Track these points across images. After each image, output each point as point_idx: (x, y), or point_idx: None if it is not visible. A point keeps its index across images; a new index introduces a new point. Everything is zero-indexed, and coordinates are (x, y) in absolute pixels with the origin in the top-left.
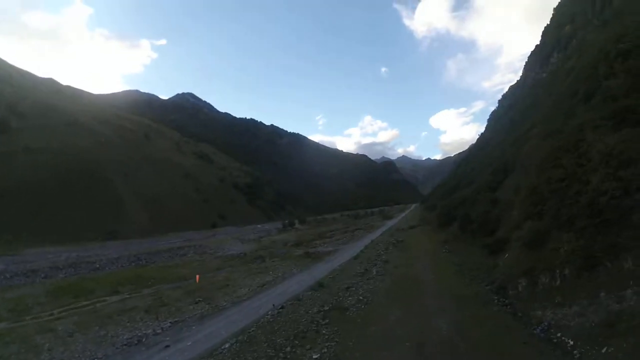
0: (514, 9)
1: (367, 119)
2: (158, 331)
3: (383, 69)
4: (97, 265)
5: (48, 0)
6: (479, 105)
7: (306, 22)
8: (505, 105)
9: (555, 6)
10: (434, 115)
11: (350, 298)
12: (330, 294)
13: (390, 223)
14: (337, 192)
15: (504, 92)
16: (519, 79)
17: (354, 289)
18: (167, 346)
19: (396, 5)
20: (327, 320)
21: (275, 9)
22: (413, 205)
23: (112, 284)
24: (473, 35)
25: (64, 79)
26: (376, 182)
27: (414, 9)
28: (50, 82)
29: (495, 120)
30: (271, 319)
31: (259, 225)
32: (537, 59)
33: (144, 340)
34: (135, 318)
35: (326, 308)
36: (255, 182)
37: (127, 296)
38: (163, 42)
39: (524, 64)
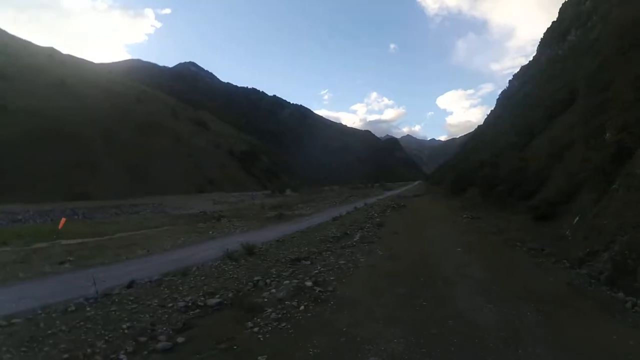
0: None
1: (374, 95)
2: None
3: (392, 46)
4: (20, 217)
5: None
6: (487, 88)
7: None
8: (517, 85)
9: None
10: (442, 96)
11: (286, 282)
12: (254, 270)
13: (390, 193)
14: (338, 166)
15: (515, 73)
16: (531, 59)
17: (308, 263)
18: None
19: None
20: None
21: None
22: (417, 182)
23: (9, 237)
24: (485, 15)
25: (66, 49)
26: (380, 159)
27: None
28: (50, 50)
29: (507, 98)
30: (75, 309)
31: (249, 193)
32: (553, 36)
33: None
34: None
35: (215, 301)
36: (252, 149)
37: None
38: (167, 11)
39: (539, 42)
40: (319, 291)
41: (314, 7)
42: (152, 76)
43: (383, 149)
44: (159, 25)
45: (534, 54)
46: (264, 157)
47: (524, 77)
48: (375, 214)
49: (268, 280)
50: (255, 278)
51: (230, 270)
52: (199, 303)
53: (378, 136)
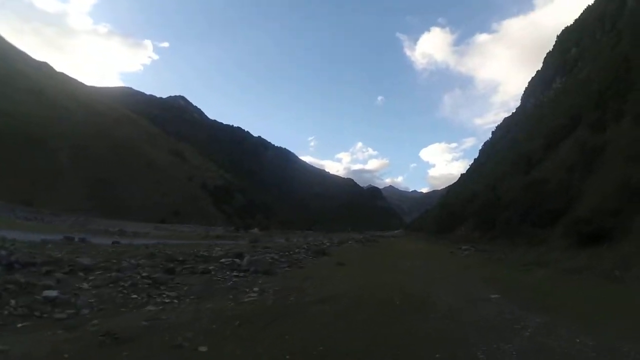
0: (513, 47)
1: (359, 145)
2: None
3: (379, 98)
4: None
5: None
6: (470, 142)
7: (306, 43)
8: (499, 135)
9: (558, 33)
10: (425, 148)
11: None
12: None
13: (364, 235)
14: (318, 211)
15: (498, 124)
16: (514, 111)
17: None
18: None
19: (399, 35)
20: None
21: (275, 27)
22: (397, 230)
23: None
24: (471, 72)
25: (61, 67)
26: (361, 207)
27: (416, 39)
28: (44, 65)
29: (491, 146)
30: None
31: (207, 227)
32: (538, 84)
33: None
34: None
35: None
36: (227, 185)
37: None
38: (166, 44)
39: (523, 91)
40: None
41: (307, 54)
42: (138, 104)
43: (365, 197)
44: (156, 57)
45: (516, 107)
46: (240, 195)
47: (507, 127)
48: (327, 243)
49: None
50: None
51: None
52: None
53: (361, 185)
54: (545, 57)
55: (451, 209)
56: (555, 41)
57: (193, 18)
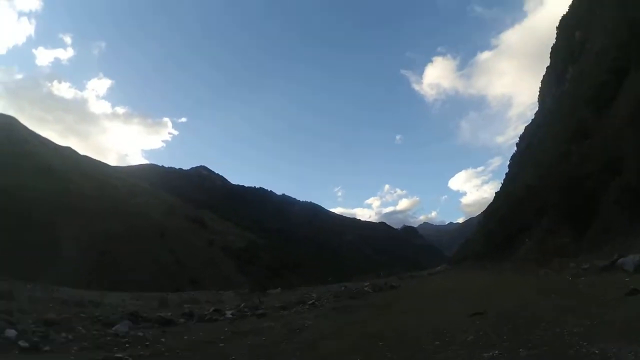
0: (517, 57)
1: (386, 187)
2: None
3: (398, 136)
4: None
5: (74, 72)
6: (496, 162)
7: (314, 94)
8: (524, 144)
9: (557, 24)
10: (452, 178)
11: None
12: None
13: (379, 281)
14: (353, 260)
15: (520, 135)
16: (534, 115)
17: None
18: None
19: (403, 72)
20: None
21: (283, 84)
22: (439, 267)
23: None
24: (481, 92)
25: (85, 151)
26: (397, 249)
27: (421, 73)
28: (67, 150)
29: (519, 156)
30: None
31: (222, 292)
32: (552, 80)
33: None
34: None
35: None
36: (250, 247)
37: None
38: (184, 119)
39: (538, 94)
40: None
41: (319, 105)
42: (159, 177)
43: (400, 239)
44: (175, 132)
45: (533, 117)
46: (265, 255)
47: (531, 130)
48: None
49: None
50: None
51: None
52: None
53: (395, 227)
54: (550, 52)
55: (502, 218)
56: (557, 32)
57: (206, 91)
